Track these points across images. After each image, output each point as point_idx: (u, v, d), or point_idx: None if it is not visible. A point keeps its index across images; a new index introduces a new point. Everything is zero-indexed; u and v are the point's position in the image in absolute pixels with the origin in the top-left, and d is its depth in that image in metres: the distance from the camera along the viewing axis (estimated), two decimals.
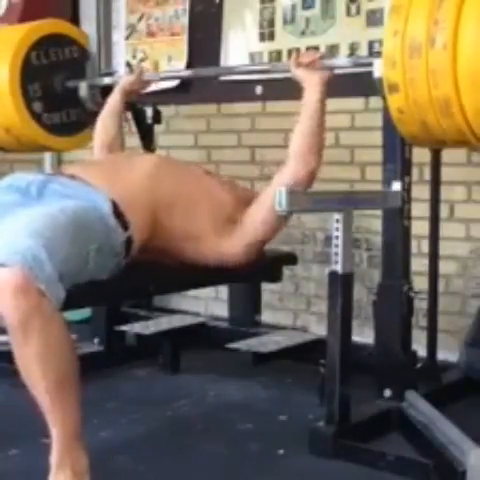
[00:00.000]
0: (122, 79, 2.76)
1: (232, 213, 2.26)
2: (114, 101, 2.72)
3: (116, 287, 2.13)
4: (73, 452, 1.77)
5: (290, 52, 3.24)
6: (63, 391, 1.74)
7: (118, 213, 2.04)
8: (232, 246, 2.22)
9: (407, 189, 2.28)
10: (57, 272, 1.75)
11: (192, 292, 3.42)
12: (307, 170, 2.18)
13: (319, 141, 2.21)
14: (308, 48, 3.17)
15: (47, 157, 4.00)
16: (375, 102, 2.83)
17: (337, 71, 2.30)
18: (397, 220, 2.29)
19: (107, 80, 2.91)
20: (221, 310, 3.40)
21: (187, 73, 3.31)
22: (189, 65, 3.54)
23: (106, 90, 2.91)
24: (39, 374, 1.71)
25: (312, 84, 2.24)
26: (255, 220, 2.21)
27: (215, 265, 2.23)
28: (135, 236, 2.07)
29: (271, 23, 3.32)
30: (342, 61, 2.51)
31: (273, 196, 1.96)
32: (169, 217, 2.18)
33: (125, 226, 2.04)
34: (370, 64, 2.19)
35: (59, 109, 2.97)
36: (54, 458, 1.77)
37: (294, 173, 2.18)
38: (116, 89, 2.75)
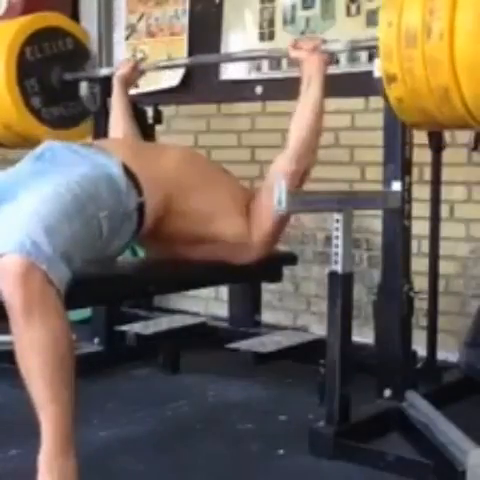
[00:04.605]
0: (117, 71, 2.76)
1: (248, 202, 2.29)
2: (116, 94, 2.73)
3: (116, 287, 2.13)
4: (63, 453, 1.70)
5: None
6: (60, 385, 1.70)
7: (130, 175, 2.03)
8: (252, 234, 2.23)
9: (407, 189, 2.27)
10: (60, 252, 1.74)
11: (192, 292, 3.42)
12: (307, 160, 2.23)
13: (318, 131, 2.24)
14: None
15: None
16: (375, 102, 2.83)
17: (337, 71, 2.30)
18: (397, 220, 2.29)
19: (105, 71, 2.92)
20: (221, 310, 3.40)
21: (185, 61, 3.30)
22: None
23: (106, 90, 2.91)
24: (38, 363, 1.68)
25: (312, 65, 2.24)
26: (268, 208, 2.15)
27: (227, 255, 2.23)
28: (149, 203, 2.06)
29: (271, 23, 3.32)
30: (339, 46, 2.36)
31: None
32: (186, 199, 2.17)
33: (139, 190, 2.04)
34: (368, 47, 2.17)
35: (57, 103, 2.96)
36: (43, 458, 1.69)
37: (293, 164, 2.21)
38: (114, 83, 2.75)
